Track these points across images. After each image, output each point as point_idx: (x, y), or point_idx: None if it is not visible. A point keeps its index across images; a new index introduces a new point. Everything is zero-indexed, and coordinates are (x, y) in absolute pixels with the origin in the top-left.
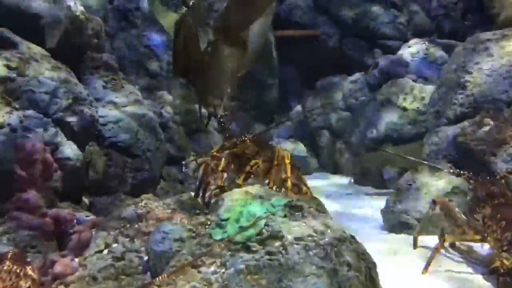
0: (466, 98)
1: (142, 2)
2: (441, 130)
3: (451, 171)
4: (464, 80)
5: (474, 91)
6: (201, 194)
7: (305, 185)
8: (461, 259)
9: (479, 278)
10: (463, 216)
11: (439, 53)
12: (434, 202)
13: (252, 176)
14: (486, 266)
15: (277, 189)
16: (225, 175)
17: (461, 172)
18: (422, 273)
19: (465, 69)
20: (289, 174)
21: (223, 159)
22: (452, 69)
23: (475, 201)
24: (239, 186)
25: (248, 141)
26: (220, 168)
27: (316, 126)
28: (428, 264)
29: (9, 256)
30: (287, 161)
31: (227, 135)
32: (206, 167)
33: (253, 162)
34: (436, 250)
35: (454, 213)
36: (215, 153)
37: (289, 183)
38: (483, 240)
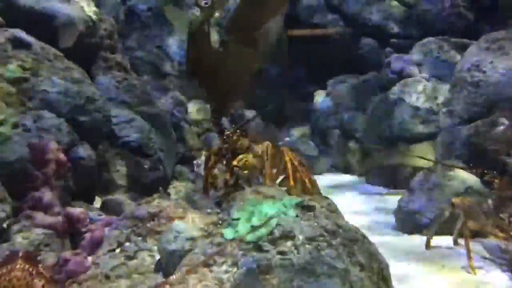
0: (480, 98)
1: (155, 3)
2: (454, 130)
3: (474, 170)
4: (477, 79)
5: (488, 90)
6: (205, 191)
7: (314, 184)
8: (485, 258)
9: (505, 278)
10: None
11: (452, 52)
12: (452, 204)
13: (237, 170)
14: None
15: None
16: (215, 171)
17: (484, 171)
18: (471, 273)
19: (479, 68)
20: (289, 171)
21: (211, 155)
22: (465, 68)
23: (500, 200)
24: (226, 181)
25: (234, 136)
26: (209, 165)
27: (327, 126)
28: (470, 262)
29: (20, 255)
30: (287, 158)
31: (219, 131)
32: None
33: (240, 156)
34: (467, 244)
35: (477, 213)
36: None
37: (291, 182)
38: (508, 239)
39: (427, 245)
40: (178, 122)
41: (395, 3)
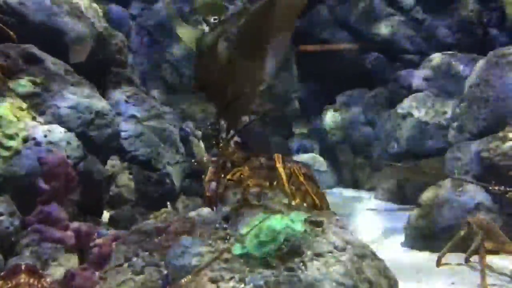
0: (490, 113)
1: (164, 19)
2: (464, 145)
3: (496, 188)
4: (487, 94)
5: (497, 105)
6: (205, 205)
7: (322, 198)
8: (501, 275)
9: None
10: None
11: (460, 67)
12: (468, 223)
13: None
14: None
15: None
16: (213, 184)
17: (508, 189)
18: None
19: (488, 83)
20: (285, 184)
21: (209, 168)
22: (474, 83)
23: None
24: (221, 195)
25: (229, 148)
26: (206, 179)
27: (336, 141)
28: (484, 281)
29: (23, 268)
30: (282, 172)
31: (215, 143)
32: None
33: (234, 169)
34: (482, 262)
35: (496, 231)
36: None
37: (286, 190)
38: None
39: (438, 263)
40: (187, 136)
41: (404, 18)
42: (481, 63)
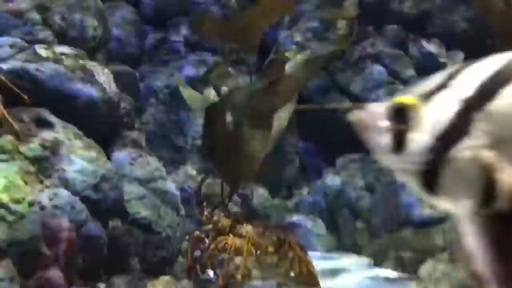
0: None
1: (171, 81)
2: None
3: None
4: None
5: None
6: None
7: (308, 266)
8: None
9: None
10: None
11: None
12: None
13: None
14: None
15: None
16: (196, 253)
17: None
18: None
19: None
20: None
21: (193, 237)
22: None
23: None
24: (203, 266)
25: (214, 216)
26: (189, 248)
27: (336, 204)
28: None
29: None
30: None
31: (199, 212)
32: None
33: (219, 238)
34: None
35: None
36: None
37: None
38: None
39: None
40: (188, 197)
41: (403, 87)
42: None
